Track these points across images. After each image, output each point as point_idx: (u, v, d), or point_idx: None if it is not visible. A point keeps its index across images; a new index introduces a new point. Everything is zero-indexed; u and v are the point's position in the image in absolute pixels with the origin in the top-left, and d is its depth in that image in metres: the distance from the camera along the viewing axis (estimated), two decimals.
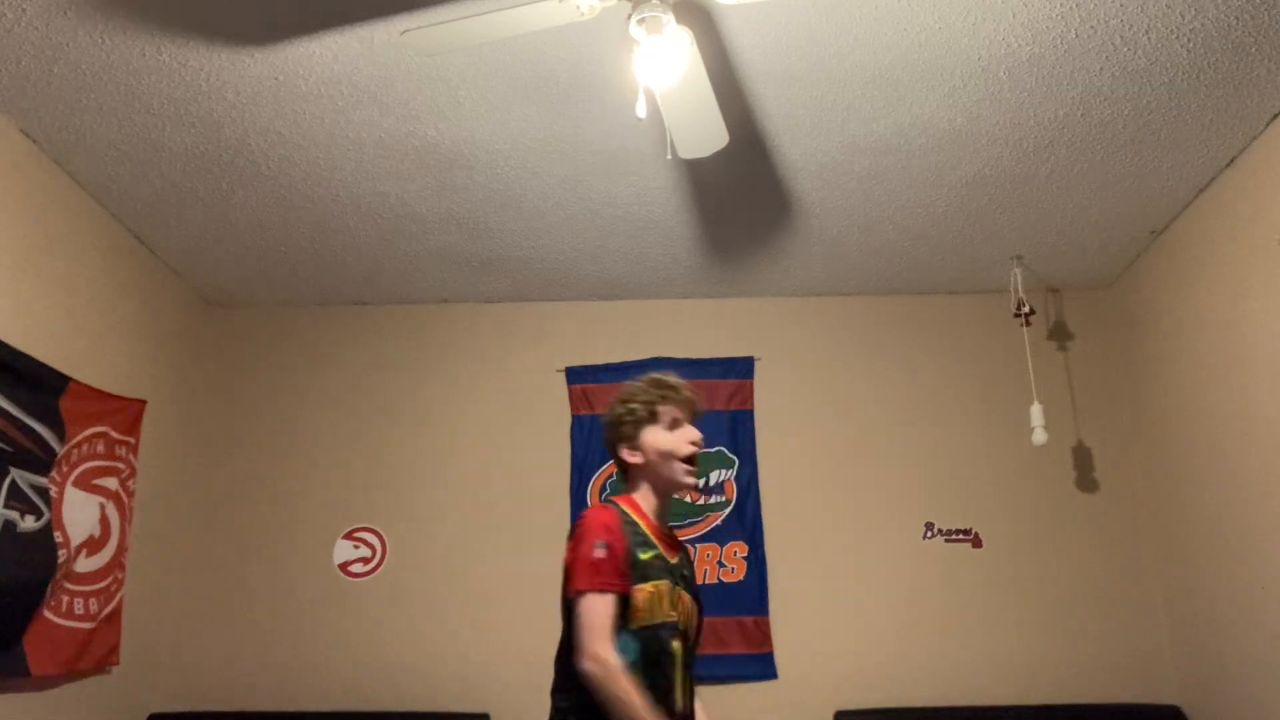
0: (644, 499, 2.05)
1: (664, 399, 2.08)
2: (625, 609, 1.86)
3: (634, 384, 2.13)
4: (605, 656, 1.78)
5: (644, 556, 1.93)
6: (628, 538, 1.92)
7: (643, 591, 1.89)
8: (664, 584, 1.92)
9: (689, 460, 2.06)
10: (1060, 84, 2.67)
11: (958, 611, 3.70)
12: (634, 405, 2.08)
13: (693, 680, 2.00)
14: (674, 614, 1.93)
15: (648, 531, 1.99)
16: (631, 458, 2.06)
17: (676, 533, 2.15)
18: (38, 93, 2.66)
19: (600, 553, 1.87)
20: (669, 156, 2.79)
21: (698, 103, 2.38)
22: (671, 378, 2.14)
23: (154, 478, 3.59)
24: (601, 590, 1.84)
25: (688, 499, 3.85)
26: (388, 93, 2.68)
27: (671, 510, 2.18)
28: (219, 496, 3.87)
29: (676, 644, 1.92)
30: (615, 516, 1.96)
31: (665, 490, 2.07)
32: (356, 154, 2.99)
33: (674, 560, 2.02)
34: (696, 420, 2.13)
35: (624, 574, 1.88)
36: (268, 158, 3.00)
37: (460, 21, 2.13)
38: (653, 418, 2.06)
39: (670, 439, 2.05)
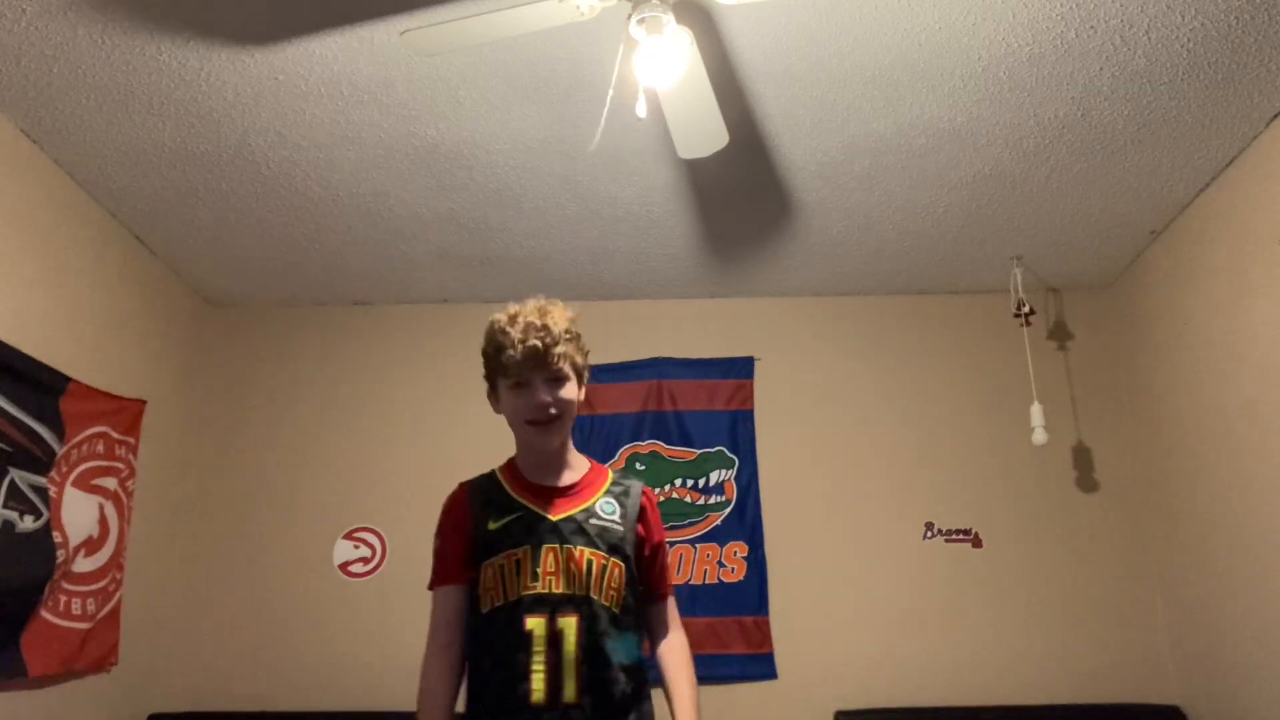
0: (519, 454, 1.83)
1: (501, 367, 1.75)
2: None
3: (490, 324, 1.81)
4: (424, 661, 1.72)
5: (494, 526, 1.70)
6: (471, 512, 1.74)
7: (490, 568, 1.68)
8: (520, 552, 1.67)
9: (535, 423, 1.74)
10: (1060, 84, 2.67)
11: (958, 611, 3.70)
12: (484, 355, 1.81)
13: (600, 660, 1.66)
14: (535, 585, 1.65)
15: (512, 493, 1.75)
16: (497, 410, 1.82)
17: (580, 488, 1.79)
18: (38, 93, 2.66)
19: (435, 544, 1.78)
20: (617, 122, 2.77)
21: (698, 103, 2.38)
22: (517, 320, 1.76)
23: (154, 478, 3.58)
24: (431, 587, 1.77)
25: (687, 499, 3.85)
26: (388, 93, 2.68)
27: (554, 463, 1.81)
28: (219, 496, 3.87)
29: (535, 622, 1.63)
30: (461, 492, 1.80)
31: (530, 446, 1.80)
32: (356, 154, 2.99)
33: (558, 516, 1.72)
34: (554, 362, 1.73)
35: (457, 560, 1.72)
36: (268, 158, 3.00)
37: (460, 21, 2.13)
38: (501, 372, 1.76)
39: (511, 404, 1.75)
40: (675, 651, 1.84)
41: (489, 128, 2.87)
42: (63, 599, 2.96)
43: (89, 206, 3.21)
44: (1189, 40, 2.49)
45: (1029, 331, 3.85)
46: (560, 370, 1.74)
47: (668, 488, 3.86)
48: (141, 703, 3.49)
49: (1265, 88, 2.70)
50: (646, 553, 1.82)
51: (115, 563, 3.27)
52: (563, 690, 1.61)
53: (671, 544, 3.78)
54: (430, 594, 1.77)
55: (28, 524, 2.79)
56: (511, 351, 1.72)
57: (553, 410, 1.73)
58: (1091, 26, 2.44)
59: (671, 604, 1.90)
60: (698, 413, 3.96)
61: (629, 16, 2.08)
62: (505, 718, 1.62)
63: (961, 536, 3.80)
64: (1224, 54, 2.55)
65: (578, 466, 1.83)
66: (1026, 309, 3.75)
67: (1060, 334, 4.04)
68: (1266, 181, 2.92)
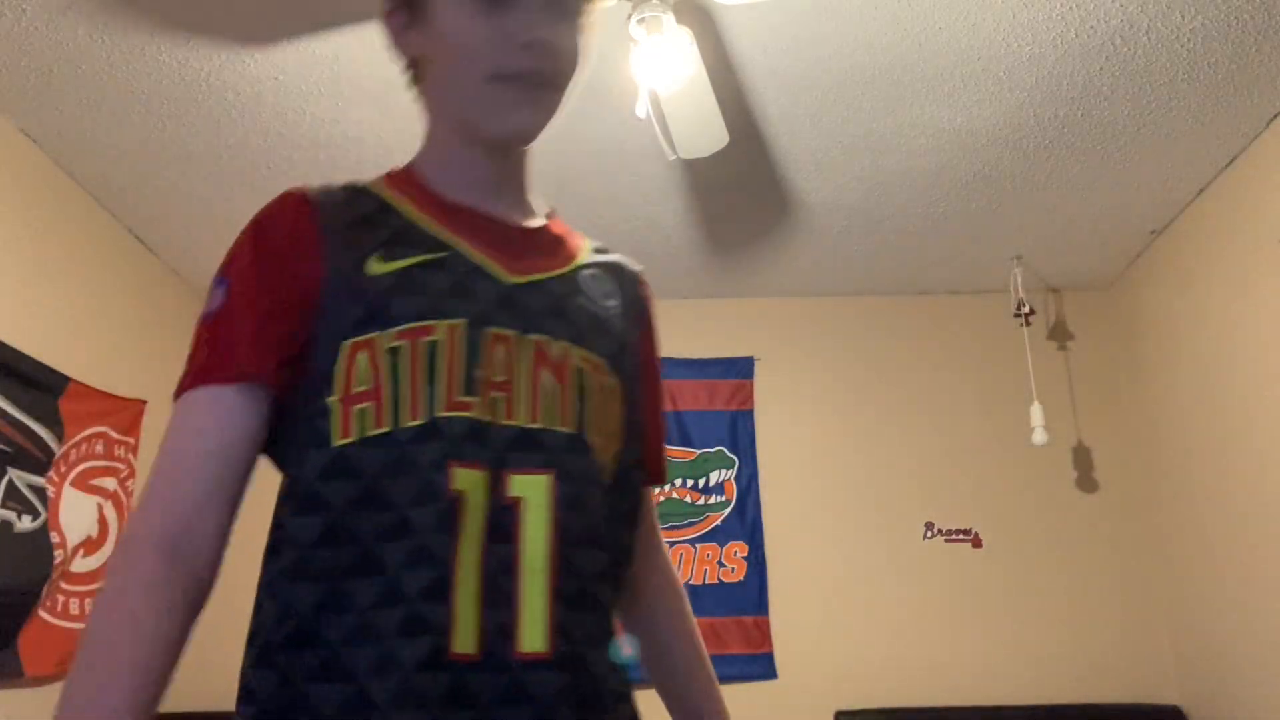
0: (434, 152, 0.98)
1: None
2: (309, 409, 0.83)
3: None
4: (124, 546, 0.78)
5: (383, 268, 0.86)
6: (320, 234, 0.88)
7: (364, 352, 0.82)
8: (440, 328, 0.83)
9: (516, 78, 0.92)
10: (1060, 84, 2.67)
11: (957, 612, 3.70)
12: None
13: (594, 570, 0.86)
14: (470, 400, 0.82)
15: (419, 216, 0.91)
16: (404, 44, 0.97)
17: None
18: (38, 93, 2.66)
19: (213, 298, 0.90)
20: (671, 157, 2.77)
21: (698, 102, 2.38)
22: None
23: None
24: (188, 387, 0.84)
25: (687, 499, 3.84)
26: (388, 93, 2.68)
27: (509, 183, 1.00)
28: None
29: (467, 477, 0.79)
30: (294, 200, 0.91)
31: (465, 129, 0.95)
32: (356, 154, 2.98)
33: (521, 278, 0.91)
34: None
35: (264, 326, 0.85)
36: (268, 158, 2.99)
37: None
38: None
39: (467, 31, 0.90)
40: (676, 596, 1.10)
41: None
42: (61, 599, 2.96)
43: (89, 206, 3.21)
44: (1189, 40, 2.49)
45: (1029, 331, 3.85)
46: (575, 6, 0.96)
47: (667, 488, 3.86)
48: None
49: (1265, 88, 2.70)
50: (645, 386, 1.01)
51: None
52: (516, 630, 0.78)
53: (671, 544, 3.78)
54: (176, 401, 0.85)
55: (26, 524, 2.79)
56: None
57: (555, 61, 0.95)
58: (1091, 26, 2.44)
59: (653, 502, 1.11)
60: (698, 413, 3.96)
61: (629, 16, 2.08)
62: (401, 667, 0.74)
63: (961, 536, 3.80)
64: (1224, 54, 2.55)
65: (538, 208, 1.03)
66: (1026, 309, 3.75)
67: (1060, 334, 4.04)
68: (1266, 181, 2.92)
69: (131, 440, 3.42)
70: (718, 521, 3.82)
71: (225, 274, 0.92)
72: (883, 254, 3.74)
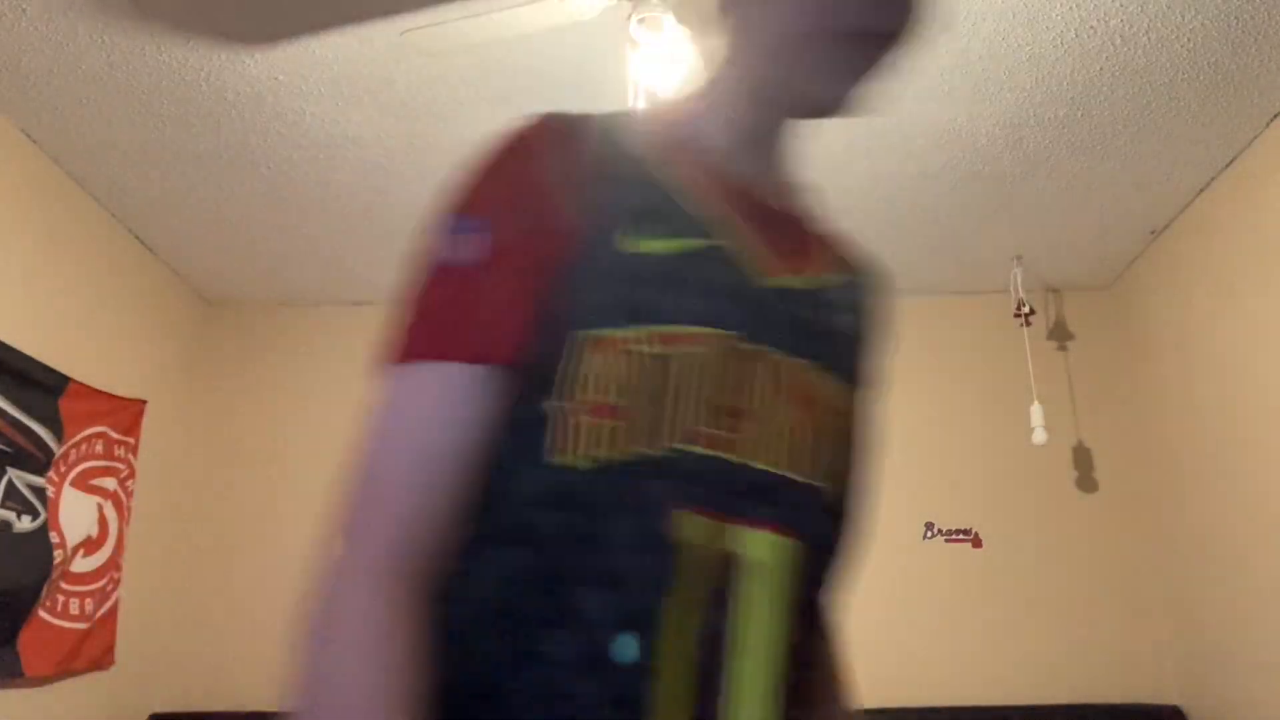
0: (711, 96, 0.77)
1: None
2: (533, 403, 0.65)
3: None
4: (349, 552, 0.64)
5: (654, 247, 0.67)
6: (581, 173, 0.69)
7: (613, 350, 0.64)
8: (706, 339, 0.66)
9: (855, 37, 0.69)
10: (1060, 84, 2.67)
11: (957, 611, 3.70)
12: None
13: (822, 653, 0.81)
14: (716, 433, 0.65)
15: (680, 178, 0.72)
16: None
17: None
18: (38, 93, 2.66)
19: (468, 244, 0.67)
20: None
21: None
22: None
23: (154, 478, 3.58)
24: (415, 354, 0.66)
25: None
26: (388, 93, 2.68)
27: (776, 156, 0.79)
28: (218, 496, 3.87)
29: (700, 527, 0.64)
30: (560, 126, 0.71)
31: (773, 88, 0.73)
32: (356, 154, 2.98)
33: (779, 282, 0.72)
34: None
35: (523, 287, 0.65)
36: (268, 158, 2.99)
37: (460, 21, 2.13)
38: None
39: None
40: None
41: (489, 128, 2.86)
42: (60, 599, 2.96)
43: (89, 206, 3.21)
44: (1189, 40, 2.49)
45: (1029, 331, 3.85)
46: None
47: None
48: (141, 702, 3.49)
49: (1265, 88, 2.70)
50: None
51: (114, 563, 3.27)
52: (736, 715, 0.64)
53: None
54: (396, 371, 0.67)
55: (25, 524, 2.79)
56: None
57: (912, 20, 0.70)
58: (1091, 26, 2.44)
59: None
60: None
61: (629, 16, 2.08)
62: None
63: (961, 536, 3.80)
64: (1224, 54, 2.55)
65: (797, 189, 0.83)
66: (1026, 309, 3.75)
67: (1060, 334, 4.04)
68: (1266, 181, 2.92)
69: (131, 440, 3.41)
70: None
71: (478, 209, 0.68)
72: (883, 254, 3.74)
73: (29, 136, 2.87)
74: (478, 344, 0.64)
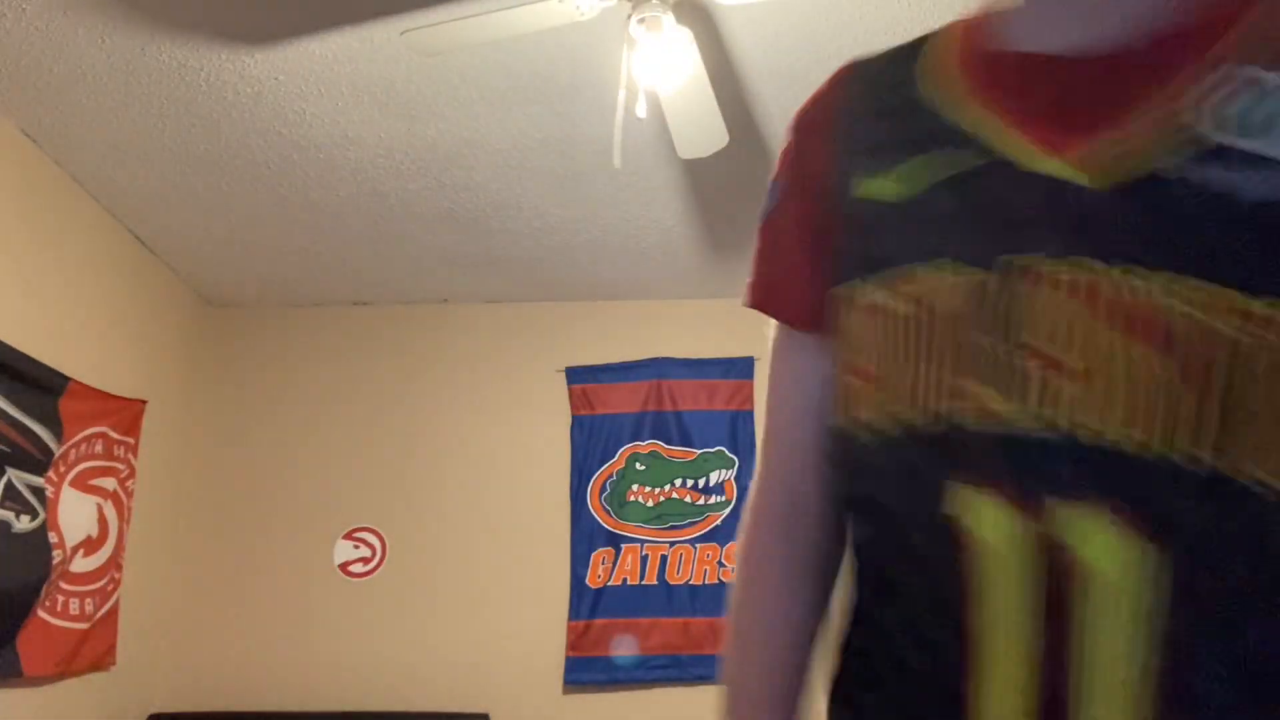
0: None
1: None
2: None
3: None
4: (748, 502, 0.73)
5: (870, 189, 0.61)
6: (834, 119, 0.70)
7: (858, 302, 0.60)
8: (965, 279, 0.53)
9: None
10: None
11: None
12: None
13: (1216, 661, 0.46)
14: (993, 391, 0.51)
15: (939, 84, 0.62)
16: None
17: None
18: (38, 93, 2.66)
19: (771, 196, 0.72)
20: (617, 164, 2.77)
21: (698, 102, 2.38)
22: None
23: (154, 478, 3.58)
24: (766, 307, 0.75)
25: (687, 499, 3.84)
26: (388, 92, 2.68)
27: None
28: (219, 496, 3.87)
29: (990, 516, 0.50)
30: (841, 69, 0.74)
31: None
32: (356, 154, 2.98)
33: (1105, 177, 0.50)
34: None
35: (802, 257, 0.68)
36: (268, 158, 2.99)
37: (460, 21, 2.13)
38: None
39: None
40: None
41: (489, 128, 2.86)
42: (60, 599, 2.96)
43: (89, 206, 3.21)
44: None
45: None
46: None
47: (667, 488, 3.86)
48: (141, 703, 3.49)
49: None
50: None
51: (114, 563, 3.27)
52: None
53: (671, 544, 3.78)
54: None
55: (24, 524, 2.79)
56: None
57: None
58: None
59: None
60: (698, 413, 3.96)
61: (629, 16, 2.08)
62: None
63: None
64: None
65: None
66: None
67: None
68: None
69: (131, 440, 3.42)
70: (718, 521, 3.82)
71: (776, 171, 0.73)
72: None
73: (29, 136, 2.87)
74: (776, 304, 0.71)
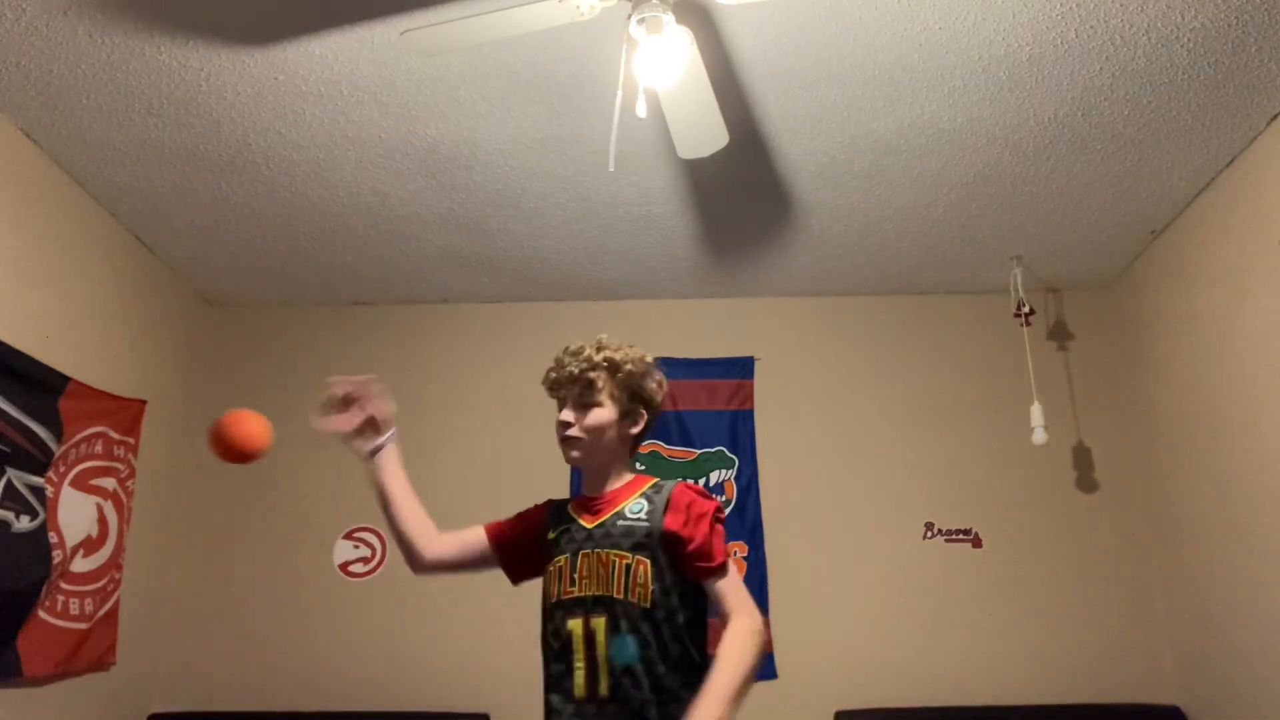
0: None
1: (547, 386, 1.99)
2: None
3: None
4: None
5: (551, 536, 1.87)
6: (544, 519, 1.94)
7: (547, 573, 1.84)
8: (562, 560, 1.80)
9: (559, 438, 1.91)
10: (1060, 84, 2.67)
11: (958, 611, 3.70)
12: None
13: (622, 660, 1.71)
14: (572, 590, 1.76)
15: (570, 508, 1.92)
16: None
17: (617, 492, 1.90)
18: (38, 93, 2.66)
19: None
20: (611, 169, 2.77)
21: (698, 102, 2.38)
22: (570, 347, 1.99)
23: (154, 478, 3.58)
24: (487, 526, 2.05)
25: None
26: (388, 93, 2.68)
27: (596, 478, 1.92)
28: (219, 496, 3.87)
29: (574, 623, 1.73)
30: (545, 503, 2.02)
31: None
32: (356, 154, 2.98)
33: (593, 525, 1.82)
34: (577, 385, 1.91)
35: (510, 529, 1.98)
36: (268, 158, 2.99)
37: (460, 21, 2.13)
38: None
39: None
40: (722, 643, 1.77)
41: (489, 128, 2.87)
42: (60, 599, 2.96)
43: (89, 206, 3.21)
44: (1189, 40, 2.49)
45: (1029, 331, 3.85)
46: (586, 396, 1.88)
47: None
48: (141, 703, 3.49)
49: (1265, 88, 2.70)
50: (678, 540, 1.77)
51: (114, 563, 3.27)
52: (599, 685, 1.69)
53: None
54: None
55: (24, 524, 2.79)
56: (548, 375, 1.98)
57: (571, 432, 1.87)
58: (1091, 26, 2.44)
59: (725, 586, 1.78)
60: (698, 413, 3.96)
61: (629, 16, 2.08)
62: (560, 703, 1.73)
63: (961, 536, 3.80)
64: (1224, 54, 2.55)
65: (619, 479, 1.91)
66: (1026, 309, 3.75)
67: (1060, 334, 4.04)
68: (1266, 181, 2.92)
69: (132, 440, 3.41)
70: None
71: (524, 512, 2.07)
72: (883, 254, 3.74)
73: (29, 136, 2.87)
74: (493, 526, 2.06)
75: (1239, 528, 3.12)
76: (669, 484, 1.89)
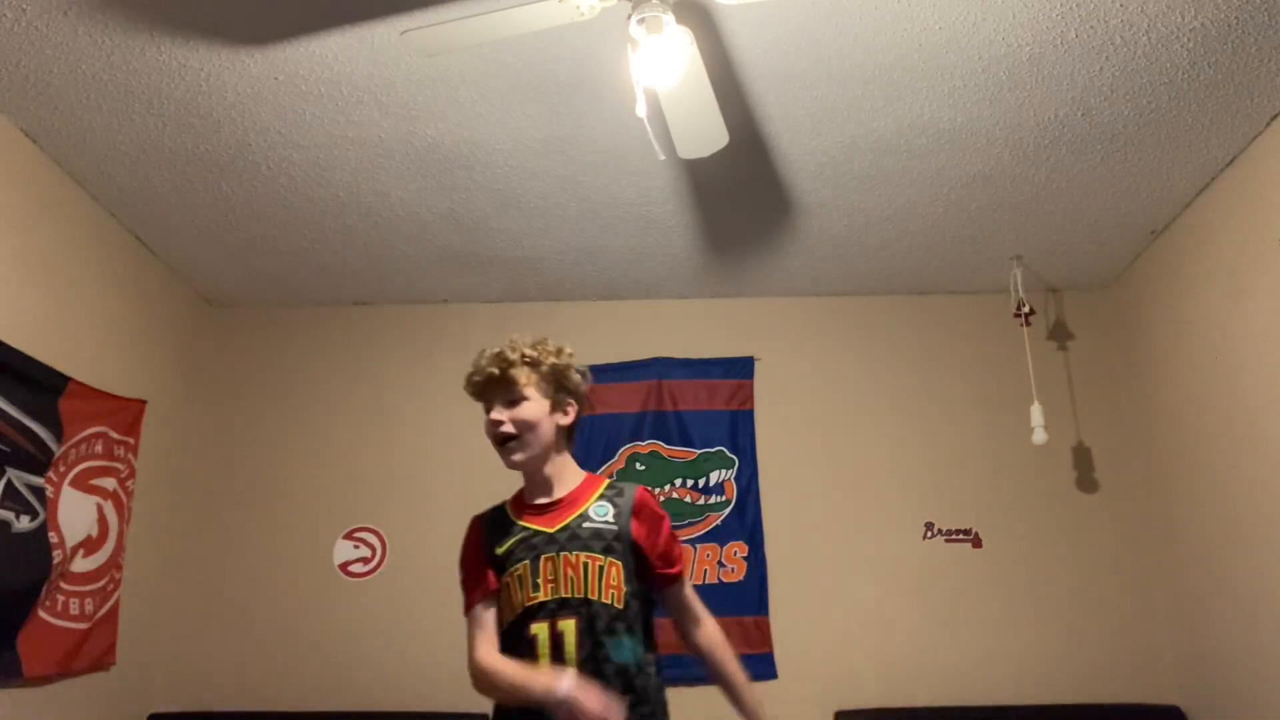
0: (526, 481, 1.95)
1: (472, 392, 1.95)
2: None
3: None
4: (471, 662, 1.80)
5: (500, 550, 1.83)
6: (483, 540, 1.87)
7: (503, 589, 1.81)
8: (520, 568, 1.78)
9: (494, 443, 1.89)
10: (1060, 84, 2.67)
11: (957, 611, 3.70)
12: None
13: (599, 659, 1.73)
14: (536, 595, 1.76)
15: (512, 516, 1.88)
16: None
17: (577, 493, 1.90)
18: (38, 93, 2.66)
19: (460, 576, 1.89)
20: (662, 157, 2.78)
21: (698, 102, 2.38)
22: (484, 352, 1.95)
23: (154, 478, 3.58)
24: (468, 610, 1.86)
25: (687, 499, 3.85)
26: (388, 93, 2.68)
27: (541, 481, 1.91)
28: (219, 496, 3.87)
29: (538, 628, 1.73)
30: (473, 525, 1.93)
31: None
32: (356, 154, 2.98)
33: (554, 528, 1.82)
34: (505, 383, 1.89)
35: (478, 584, 1.84)
36: (268, 158, 2.99)
37: (460, 21, 2.13)
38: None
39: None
40: (717, 646, 1.94)
41: (489, 128, 2.86)
42: (60, 599, 2.96)
43: (89, 206, 3.21)
44: (1189, 40, 2.49)
45: (1029, 331, 3.85)
46: (513, 392, 1.87)
47: (668, 488, 3.86)
48: (141, 703, 3.49)
49: (1265, 88, 2.70)
50: (645, 545, 1.84)
51: (114, 563, 3.27)
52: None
53: None
54: (468, 618, 1.85)
55: (24, 524, 2.79)
56: (471, 379, 1.93)
57: (505, 429, 1.86)
58: (1091, 26, 2.44)
59: (690, 590, 1.93)
60: (698, 413, 3.96)
61: (629, 16, 2.08)
62: (523, 715, 1.70)
63: (961, 536, 3.80)
64: (1224, 54, 2.55)
65: (570, 480, 1.92)
66: (1026, 309, 3.75)
67: (1060, 334, 4.04)
68: (1266, 181, 2.92)
69: (131, 440, 3.41)
70: (718, 521, 3.82)
71: (462, 562, 1.95)
72: (882, 254, 3.74)
73: (29, 136, 2.87)
74: (480, 593, 1.87)
75: (1239, 527, 3.12)
76: (628, 487, 1.92)
